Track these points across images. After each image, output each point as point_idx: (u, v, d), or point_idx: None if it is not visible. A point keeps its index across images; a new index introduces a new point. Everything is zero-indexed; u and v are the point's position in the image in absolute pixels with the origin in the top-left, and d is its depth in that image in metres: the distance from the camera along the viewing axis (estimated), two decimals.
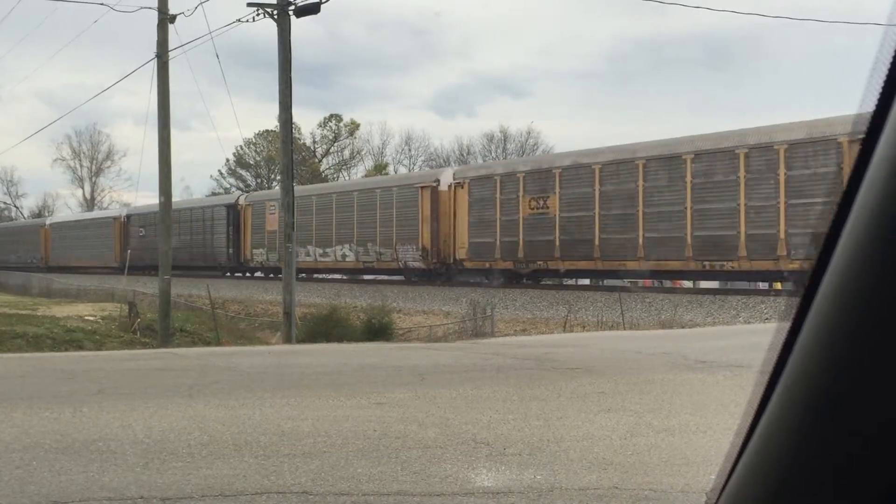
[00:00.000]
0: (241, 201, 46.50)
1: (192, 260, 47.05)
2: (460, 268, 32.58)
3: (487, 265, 31.02)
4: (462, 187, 32.22)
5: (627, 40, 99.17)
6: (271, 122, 77.23)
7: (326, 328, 21.38)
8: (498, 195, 30.59)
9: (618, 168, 26.08)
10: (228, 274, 45.30)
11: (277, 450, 5.40)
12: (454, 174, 33.80)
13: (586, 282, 30.83)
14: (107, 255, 54.80)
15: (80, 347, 19.45)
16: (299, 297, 24.00)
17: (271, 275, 40.68)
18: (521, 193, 29.79)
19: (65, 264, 59.55)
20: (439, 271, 33.40)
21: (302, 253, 36.11)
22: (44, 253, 64.08)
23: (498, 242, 30.43)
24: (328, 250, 38.69)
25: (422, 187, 34.02)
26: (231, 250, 45.11)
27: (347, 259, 37.74)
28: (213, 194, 75.17)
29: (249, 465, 5.02)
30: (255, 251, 43.67)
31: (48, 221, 69.41)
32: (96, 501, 4.31)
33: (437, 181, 33.57)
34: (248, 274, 45.41)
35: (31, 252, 65.92)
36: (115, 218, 55.98)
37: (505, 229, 30.17)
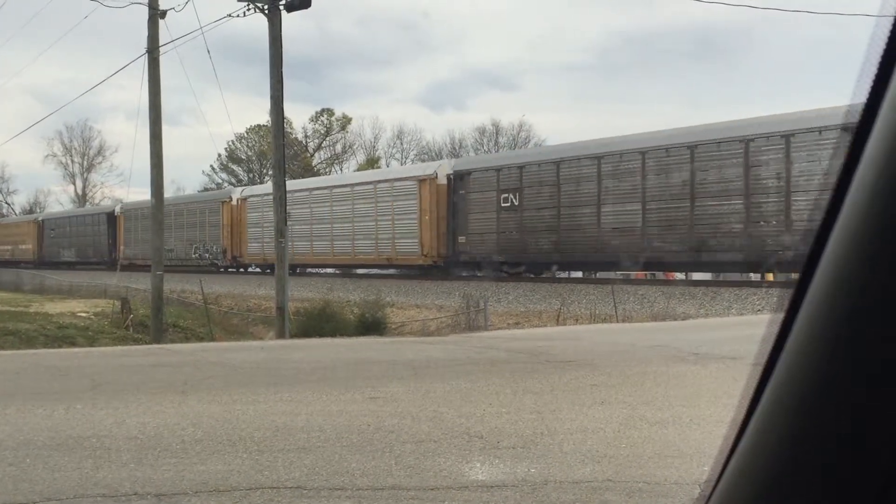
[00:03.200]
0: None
1: (664, 251, 24.06)
2: None
3: None
4: None
5: (616, 33, 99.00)
6: (263, 117, 77.04)
7: (320, 323, 21.37)
8: None
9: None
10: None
11: (271, 445, 5.40)
12: None
13: (579, 275, 30.68)
14: (409, 246, 31.80)
15: (73, 344, 19.40)
16: (293, 292, 23.97)
17: None
18: None
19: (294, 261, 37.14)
20: None
21: None
22: (228, 243, 41.31)
23: None
24: None
25: None
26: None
27: None
28: (206, 189, 74.59)
29: (243, 460, 5.02)
30: None
31: (239, 194, 43.36)
32: (90, 498, 4.30)
33: None
34: None
35: (204, 242, 42.83)
36: (419, 179, 31.62)
37: None
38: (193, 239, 43.63)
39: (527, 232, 27.66)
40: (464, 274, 29.88)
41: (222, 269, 41.51)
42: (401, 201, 31.64)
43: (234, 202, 41.48)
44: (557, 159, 27.15)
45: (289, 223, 34.33)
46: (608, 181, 25.25)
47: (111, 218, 52.87)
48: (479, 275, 29.05)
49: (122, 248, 50.03)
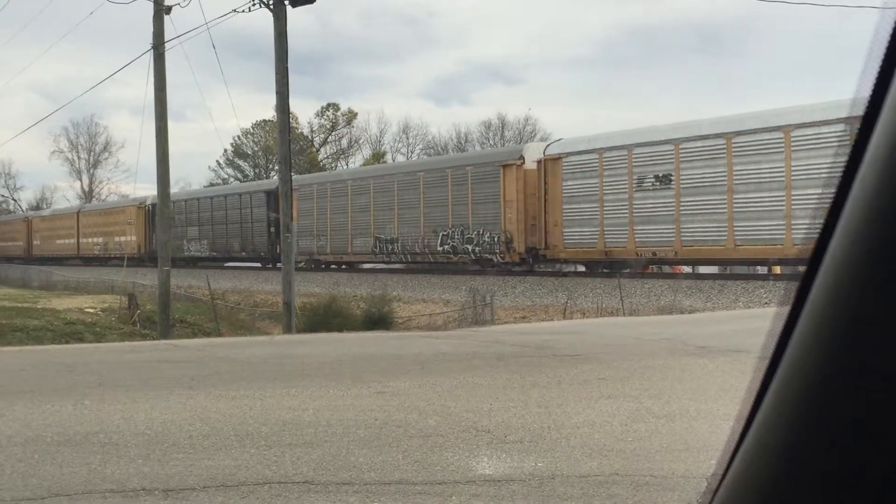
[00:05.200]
0: None
1: None
2: None
3: None
4: None
5: (620, 27, 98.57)
6: (268, 112, 76.92)
7: (326, 318, 21.40)
8: None
9: None
10: None
11: (279, 440, 5.42)
12: None
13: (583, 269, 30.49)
14: None
15: (81, 340, 19.46)
16: (300, 287, 24.01)
17: None
18: None
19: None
20: None
21: None
22: (516, 228, 27.55)
23: None
24: None
25: None
26: None
27: None
28: (211, 185, 74.48)
29: (251, 455, 5.03)
30: None
31: (541, 153, 27.61)
32: (99, 494, 4.32)
33: None
34: None
35: (463, 228, 28.97)
36: None
37: None
38: (441, 224, 29.49)
39: None
40: None
41: (496, 266, 27.99)
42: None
43: (528, 165, 26.95)
44: None
45: (635, 196, 22.72)
46: None
47: (272, 197, 35.83)
48: None
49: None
